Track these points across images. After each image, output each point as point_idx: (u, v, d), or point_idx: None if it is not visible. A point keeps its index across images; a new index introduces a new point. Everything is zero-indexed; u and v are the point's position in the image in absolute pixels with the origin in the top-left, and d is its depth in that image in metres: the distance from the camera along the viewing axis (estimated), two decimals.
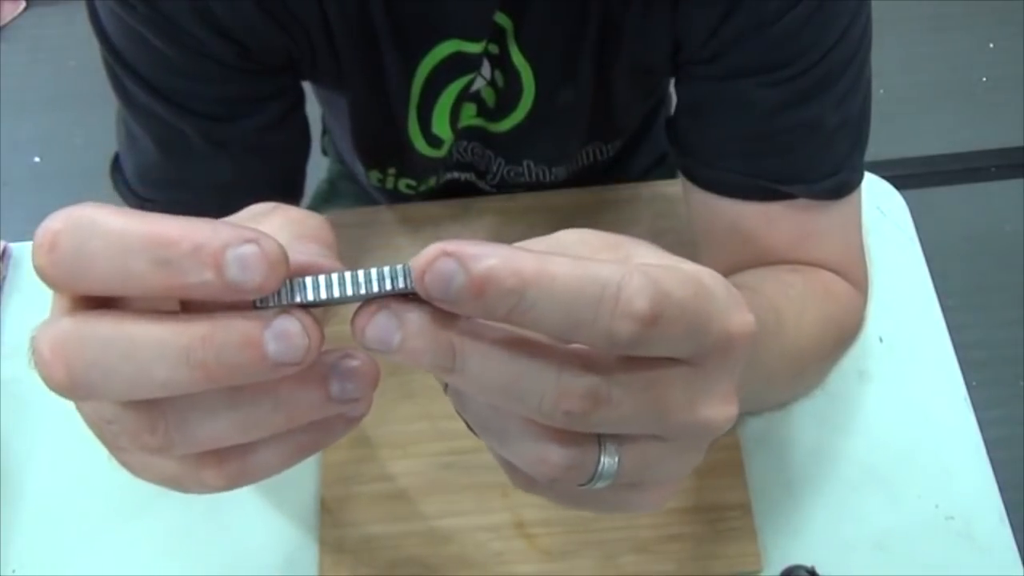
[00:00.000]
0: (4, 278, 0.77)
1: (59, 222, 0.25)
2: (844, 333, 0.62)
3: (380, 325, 0.25)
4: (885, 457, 0.67)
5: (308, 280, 0.25)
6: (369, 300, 0.25)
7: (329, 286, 0.25)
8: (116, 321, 0.25)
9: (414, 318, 0.25)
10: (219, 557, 0.64)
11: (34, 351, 0.26)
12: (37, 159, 1.90)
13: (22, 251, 0.79)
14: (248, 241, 0.24)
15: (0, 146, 1.88)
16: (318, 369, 0.27)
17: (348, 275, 0.25)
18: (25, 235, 0.81)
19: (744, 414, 0.68)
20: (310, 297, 0.25)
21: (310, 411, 0.27)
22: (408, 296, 0.25)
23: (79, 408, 0.28)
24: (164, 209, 0.62)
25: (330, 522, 0.64)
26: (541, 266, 0.24)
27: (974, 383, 0.71)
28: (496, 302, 0.24)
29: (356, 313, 0.26)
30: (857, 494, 0.65)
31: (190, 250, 0.24)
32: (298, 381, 0.26)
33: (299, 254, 0.26)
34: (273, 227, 0.28)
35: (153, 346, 0.24)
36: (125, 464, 0.29)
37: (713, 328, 0.27)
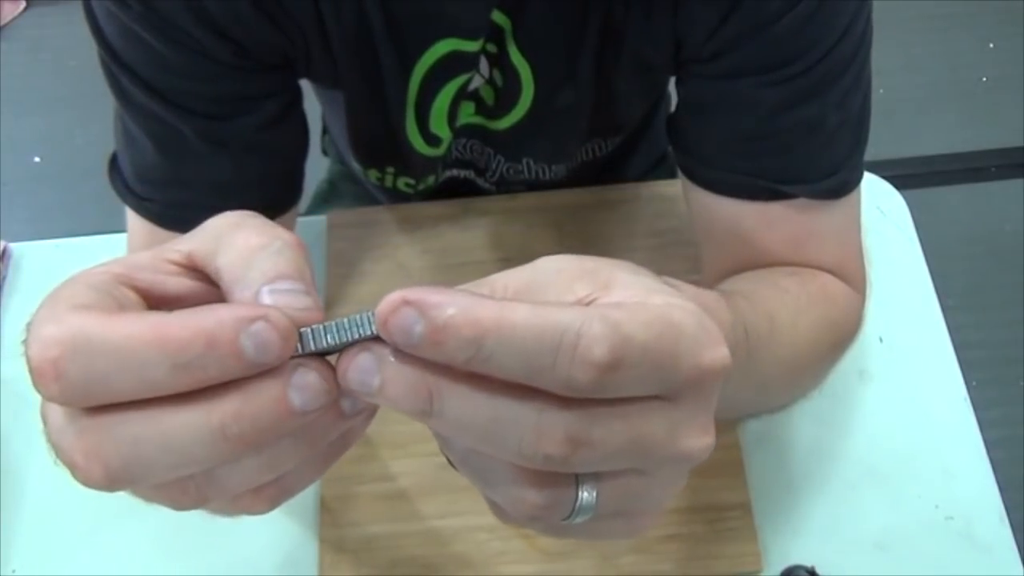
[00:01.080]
0: (4, 278, 0.77)
1: (56, 348, 0.25)
2: (841, 336, 0.62)
3: (361, 368, 0.26)
4: (885, 457, 0.67)
5: (307, 333, 0.26)
6: (353, 344, 0.26)
7: (321, 336, 0.26)
8: (145, 416, 0.25)
9: (392, 362, 0.26)
10: (219, 557, 0.64)
11: (60, 452, 0.26)
12: (37, 159, 1.90)
13: (22, 251, 0.79)
14: (257, 319, 0.25)
15: (0, 146, 1.88)
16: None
17: (334, 324, 0.26)
18: (25, 235, 0.81)
19: (742, 418, 0.68)
20: (306, 349, 0.26)
21: (328, 433, 0.28)
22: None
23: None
24: (163, 208, 0.62)
25: (330, 522, 0.64)
26: (500, 315, 0.25)
27: (974, 383, 0.71)
28: (455, 351, 0.25)
29: (340, 356, 0.26)
30: (857, 494, 0.65)
31: (204, 347, 0.24)
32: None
33: (279, 305, 0.27)
34: (244, 259, 0.28)
35: (188, 432, 0.25)
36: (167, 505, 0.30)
37: (682, 365, 0.27)
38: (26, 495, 0.67)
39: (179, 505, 0.28)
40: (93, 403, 0.25)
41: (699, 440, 0.29)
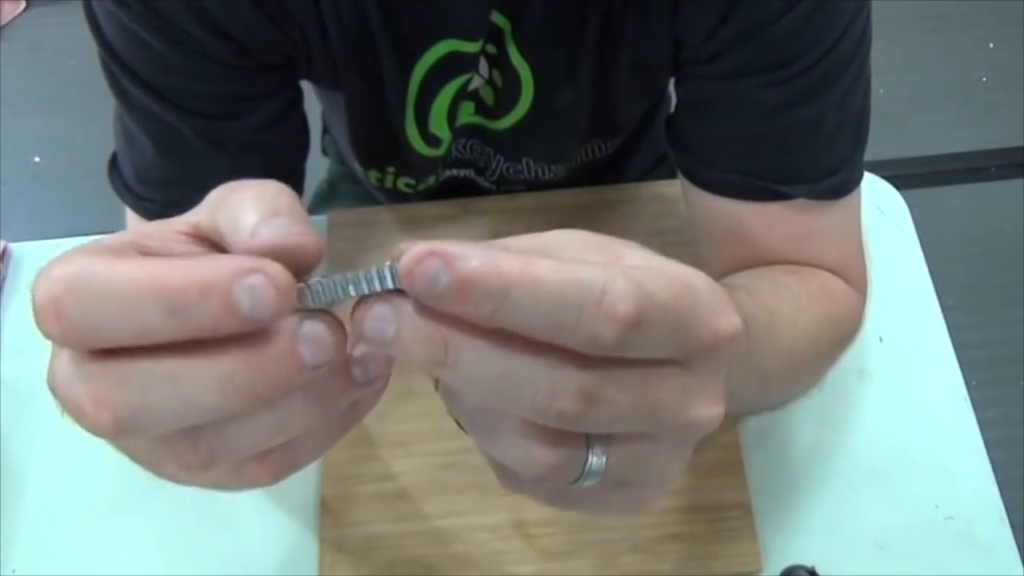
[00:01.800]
0: (4, 278, 0.77)
1: (58, 286, 0.25)
2: (841, 334, 0.62)
3: (377, 317, 0.25)
4: (885, 457, 0.67)
5: (316, 285, 0.26)
6: (371, 295, 0.26)
7: (333, 290, 0.26)
8: (154, 362, 0.25)
9: (409, 311, 0.25)
10: (219, 557, 0.64)
11: (66, 401, 0.26)
12: (37, 159, 1.90)
13: (22, 251, 0.79)
14: (253, 271, 0.24)
15: (0, 146, 1.88)
16: (339, 360, 0.27)
17: (349, 275, 0.26)
18: (25, 235, 0.81)
19: (742, 414, 0.68)
20: (315, 302, 0.26)
21: (339, 399, 0.28)
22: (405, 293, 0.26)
23: (114, 443, 0.28)
24: (162, 208, 0.62)
25: (330, 522, 0.64)
26: (525, 268, 0.24)
27: (974, 383, 0.71)
28: (480, 302, 0.24)
29: (357, 306, 0.26)
30: (857, 493, 0.65)
31: (198, 296, 0.24)
32: (326, 375, 0.27)
33: (275, 235, 0.27)
34: (238, 209, 0.28)
35: (197, 380, 0.25)
36: (164, 476, 0.29)
37: (699, 329, 0.27)
38: (26, 495, 0.67)
39: (186, 466, 0.27)
40: (94, 345, 0.25)
41: (709, 409, 0.29)
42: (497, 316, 0.25)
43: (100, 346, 0.25)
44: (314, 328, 0.25)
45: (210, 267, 0.24)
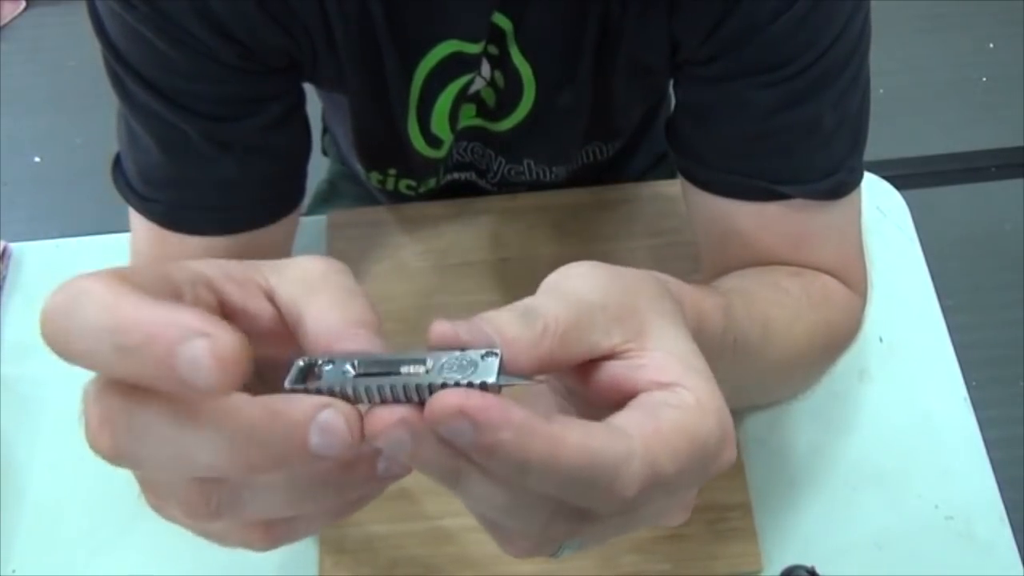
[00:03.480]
0: (4, 278, 0.77)
1: (60, 293, 0.25)
2: (838, 339, 0.62)
3: (394, 438, 0.25)
4: (885, 457, 0.67)
5: (329, 374, 0.26)
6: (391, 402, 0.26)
7: (369, 391, 0.26)
8: (162, 403, 0.25)
9: (428, 441, 0.25)
10: (219, 557, 0.64)
11: (84, 409, 0.26)
12: (37, 159, 1.90)
13: (22, 251, 0.79)
14: (202, 335, 0.22)
15: (0, 146, 1.88)
16: (366, 449, 0.27)
17: (388, 384, 0.25)
18: (25, 235, 0.81)
19: (742, 413, 0.68)
20: (324, 390, 0.26)
21: (359, 488, 0.28)
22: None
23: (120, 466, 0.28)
24: (166, 209, 0.62)
25: None
26: (550, 451, 0.25)
27: (974, 383, 0.71)
28: (496, 468, 0.25)
29: (373, 413, 0.26)
30: (857, 494, 0.65)
31: (142, 340, 0.23)
32: (348, 463, 0.27)
33: (350, 343, 0.27)
34: (321, 307, 0.28)
35: (196, 433, 0.24)
36: (162, 513, 0.29)
37: (697, 475, 0.29)
38: (26, 495, 0.67)
39: (195, 514, 0.27)
40: (67, 359, 0.25)
41: (678, 517, 0.31)
42: (512, 478, 0.25)
43: (73, 363, 0.25)
44: (331, 419, 0.25)
45: (166, 317, 0.23)
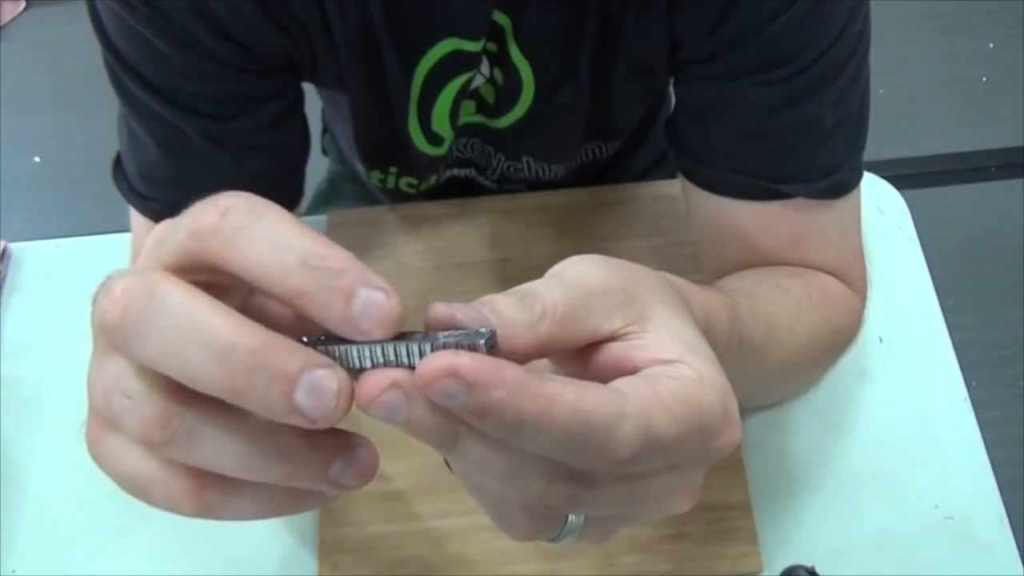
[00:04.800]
0: (4, 278, 0.77)
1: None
2: (839, 339, 0.62)
3: (389, 403, 0.25)
4: (885, 457, 0.67)
5: (333, 351, 0.26)
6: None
7: (361, 357, 0.26)
8: (189, 296, 0.25)
9: (424, 407, 0.25)
10: (218, 557, 0.64)
11: (105, 286, 0.26)
12: (37, 159, 1.90)
13: (22, 251, 0.79)
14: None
15: (0, 146, 1.88)
16: (330, 440, 0.27)
17: (379, 349, 0.26)
18: (25, 235, 0.81)
19: (743, 414, 0.68)
20: (351, 364, 0.26)
21: (307, 477, 0.28)
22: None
23: (104, 367, 0.27)
24: (166, 208, 0.62)
25: (330, 522, 0.64)
26: (543, 409, 0.25)
27: (974, 383, 0.71)
28: (491, 427, 0.25)
29: (366, 376, 0.26)
30: (857, 494, 0.65)
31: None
32: (310, 443, 0.27)
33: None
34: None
35: (204, 331, 0.25)
36: (98, 444, 0.29)
37: (696, 451, 0.29)
38: (26, 495, 0.67)
39: (146, 434, 0.26)
40: (135, 355, 0.26)
41: (684, 503, 0.31)
42: (506, 437, 0.25)
43: (141, 361, 0.26)
44: (325, 380, 0.25)
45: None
